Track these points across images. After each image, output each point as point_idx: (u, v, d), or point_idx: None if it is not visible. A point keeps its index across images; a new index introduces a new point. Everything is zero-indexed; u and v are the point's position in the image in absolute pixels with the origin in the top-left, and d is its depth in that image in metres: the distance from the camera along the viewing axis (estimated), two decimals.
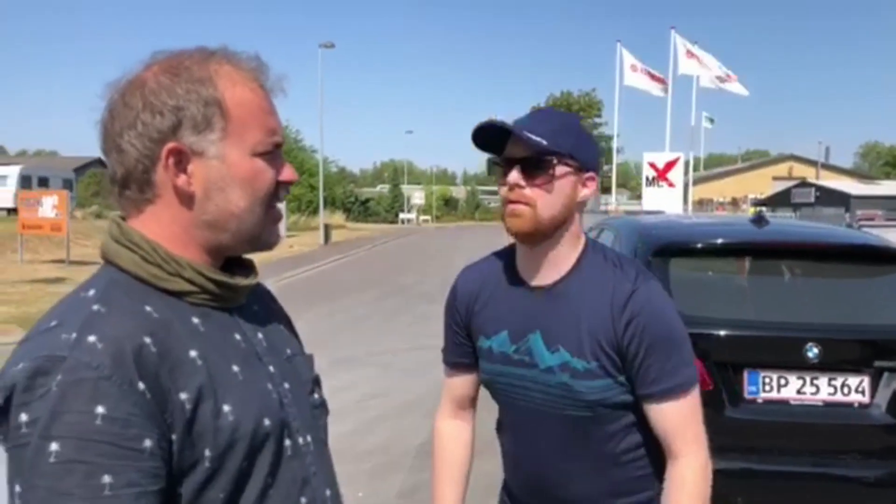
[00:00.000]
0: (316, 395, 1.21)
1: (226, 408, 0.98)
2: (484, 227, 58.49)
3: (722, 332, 3.24)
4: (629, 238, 3.96)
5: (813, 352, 3.15)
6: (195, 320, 1.03)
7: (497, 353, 1.72)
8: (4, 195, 30.95)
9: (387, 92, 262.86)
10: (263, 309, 1.20)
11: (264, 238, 1.11)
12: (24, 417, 0.87)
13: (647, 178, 19.09)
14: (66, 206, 17.73)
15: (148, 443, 0.89)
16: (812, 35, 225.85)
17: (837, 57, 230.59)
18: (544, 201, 1.60)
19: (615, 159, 33.15)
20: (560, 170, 1.60)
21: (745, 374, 3.22)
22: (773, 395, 3.21)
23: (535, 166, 1.60)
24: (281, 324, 1.23)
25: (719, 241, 3.66)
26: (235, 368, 1.03)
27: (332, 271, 20.76)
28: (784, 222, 5.60)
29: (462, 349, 1.85)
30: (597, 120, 57.02)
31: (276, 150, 1.09)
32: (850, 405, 3.20)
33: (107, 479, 0.86)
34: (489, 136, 1.65)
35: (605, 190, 32.65)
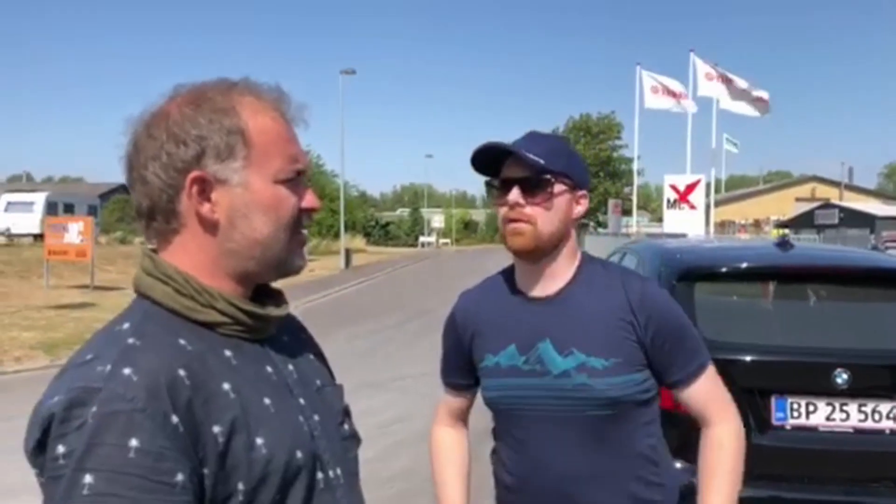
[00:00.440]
0: (346, 427, 1.21)
1: (258, 441, 0.98)
2: (504, 250, 58.25)
3: (748, 358, 3.20)
4: (652, 262, 3.94)
5: (842, 377, 3.10)
6: (227, 353, 1.04)
7: (505, 367, 1.74)
8: (31, 221, 31.36)
9: (407, 116, 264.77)
10: (293, 339, 1.21)
11: (290, 263, 1.12)
12: (61, 449, 0.88)
13: (669, 201, 19.03)
14: (91, 232, 17.95)
15: (180, 477, 0.90)
16: (833, 55, 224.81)
17: (860, 77, 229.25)
18: (544, 219, 1.68)
19: (636, 182, 33.02)
20: (557, 188, 1.69)
21: (773, 401, 3.17)
22: (802, 421, 3.16)
23: (534, 185, 1.67)
24: (311, 354, 1.24)
25: (744, 265, 3.63)
26: (267, 401, 1.03)
27: (353, 295, 20.81)
28: (809, 246, 5.54)
29: (461, 371, 1.90)
30: (617, 142, 56.87)
31: (298, 178, 1.10)
32: (881, 432, 3.14)
33: None
34: (486, 159, 1.73)
35: (626, 212, 32.51)
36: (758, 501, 2.99)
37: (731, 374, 3.02)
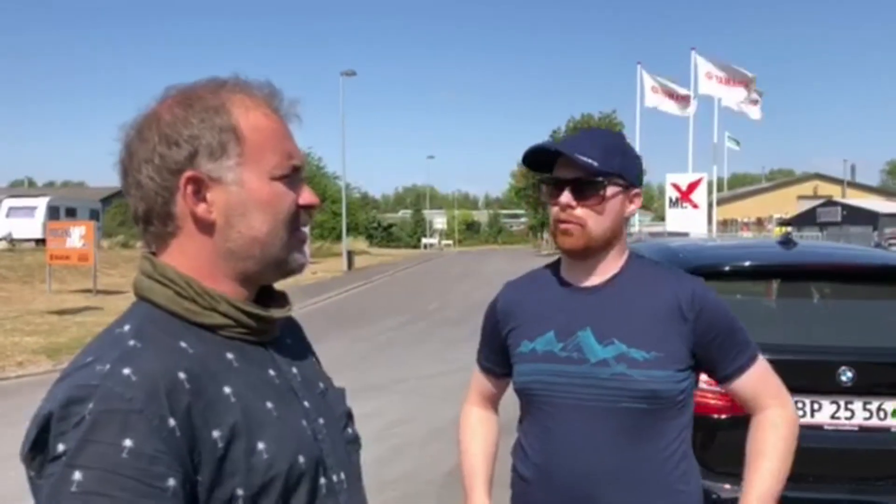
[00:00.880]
0: (349, 430, 1.19)
1: (260, 445, 0.97)
2: (507, 251, 58.41)
3: None
4: None
5: (847, 375, 3.08)
6: (229, 356, 1.03)
7: (541, 353, 1.72)
8: (33, 226, 31.36)
9: (408, 118, 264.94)
10: (296, 342, 1.20)
11: (291, 262, 1.10)
12: (60, 448, 0.87)
13: (671, 200, 19.00)
14: (93, 237, 17.98)
15: (172, 482, 0.88)
16: (835, 52, 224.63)
17: (861, 74, 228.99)
18: (595, 221, 1.66)
19: None
20: (610, 190, 1.66)
21: None
22: (807, 420, 3.14)
23: (587, 187, 1.65)
24: (313, 357, 1.23)
25: (747, 263, 3.62)
26: (269, 405, 1.02)
27: (355, 297, 20.80)
28: (812, 244, 5.53)
29: (495, 358, 1.89)
30: None
31: (294, 174, 1.08)
32: (886, 430, 3.12)
33: None
34: (539, 157, 1.71)
35: None
36: None
37: None
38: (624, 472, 1.64)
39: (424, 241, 67.89)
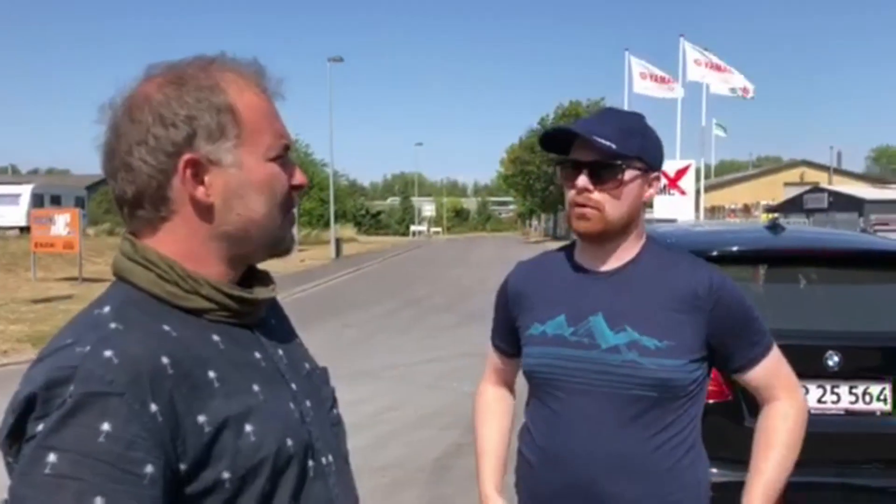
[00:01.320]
0: (335, 411, 1.18)
1: (247, 428, 0.96)
2: (495, 238, 58.49)
3: None
4: None
5: (833, 360, 3.10)
6: (215, 338, 1.01)
7: (551, 336, 1.69)
8: (17, 214, 31.08)
9: (396, 104, 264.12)
10: (281, 323, 1.18)
11: (285, 242, 1.10)
12: (39, 428, 0.84)
13: (659, 186, 19.04)
14: (78, 224, 17.82)
15: (150, 469, 0.86)
16: (821, 39, 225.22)
17: (848, 61, 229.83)
18: (612, 205, 1.62)
19: None
20: (629, 174, 1.62)
21: None
22: None
23: (604, 170, 1.60)
24: (297, 338, 1.21)
25: (735, 248, 3.62)
26: (256, 388, 1.01)
27: (344, 285, 20.77)
28: (800, 229, 5.55)
29: (506, 338, 1.87)
30: None
31: (286, 154, 1.07)
32: (871, 413, 3.15)
33: (98, 501, 0.83)
34: (556, 138, 1.68)
35: None
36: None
37: None
38: (630, 459, 1.61)
39: (413, 228, 67.83)
